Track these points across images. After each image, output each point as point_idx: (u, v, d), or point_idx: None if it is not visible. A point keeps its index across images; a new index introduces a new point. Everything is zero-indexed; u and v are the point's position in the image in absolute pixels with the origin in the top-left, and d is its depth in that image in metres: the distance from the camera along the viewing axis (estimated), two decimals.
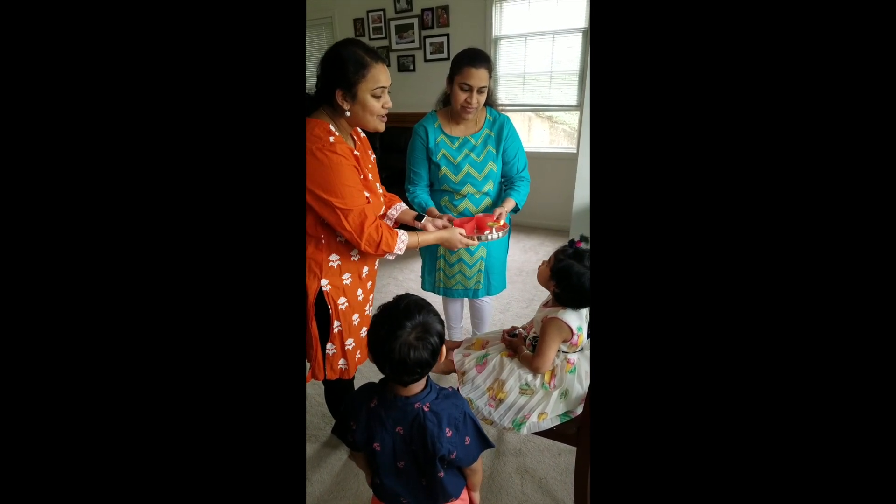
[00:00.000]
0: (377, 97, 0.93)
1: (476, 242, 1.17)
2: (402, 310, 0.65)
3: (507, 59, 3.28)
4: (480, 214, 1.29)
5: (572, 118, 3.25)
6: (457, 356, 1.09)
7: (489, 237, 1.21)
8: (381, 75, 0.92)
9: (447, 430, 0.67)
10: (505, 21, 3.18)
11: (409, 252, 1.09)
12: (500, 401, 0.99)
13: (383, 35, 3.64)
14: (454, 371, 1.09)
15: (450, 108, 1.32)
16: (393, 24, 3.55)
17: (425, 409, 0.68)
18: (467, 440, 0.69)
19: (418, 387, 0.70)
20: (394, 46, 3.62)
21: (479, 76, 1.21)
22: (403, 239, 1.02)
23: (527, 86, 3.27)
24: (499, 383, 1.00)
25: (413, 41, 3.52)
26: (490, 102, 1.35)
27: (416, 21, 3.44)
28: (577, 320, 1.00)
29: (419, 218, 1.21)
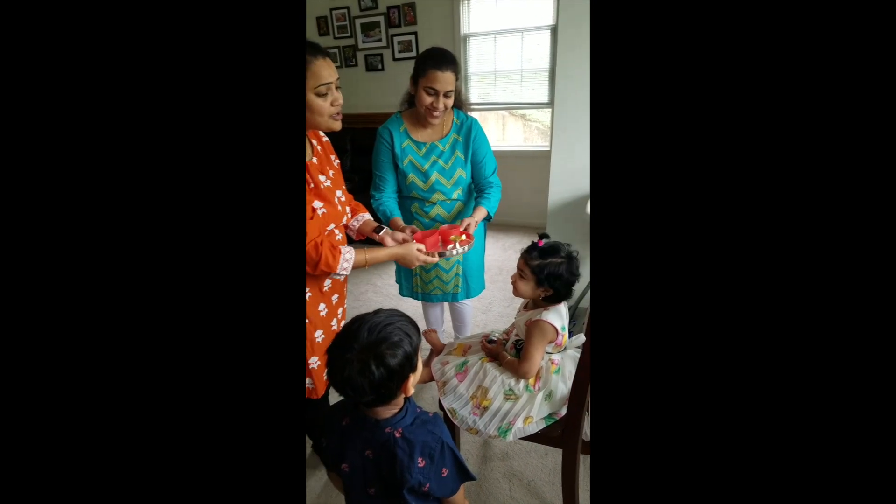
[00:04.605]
0: (322, 95, 0.85)
1: (436, 259, 1.11)
2: (354, 332, 0.61)
3: (476, 58, 3.26)
4: (446, 226, 1.23)
5: (545, 116, 3.27)
6: (435, 366, 1.06)
7: (452, 253, 1.14)
8: (322, 71, 0.83)
9: (419, 459, 0.62)
10: (473, 18, 3.16)
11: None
12: (485, 408, 0.97)
13: (349, 34, 3.55)
14: (434, 380, 1.06)
15: (415, 110, 1.28)
16: (358, 22, 3.47)
17: (396, 434, 0.63)
18: (444, 472, 0.65)
19: (389, 410, 0.65)
20: (360, 45, 3.54)
21: (444, 80, 1.17)
22: (348, 258, 0.94)
23: (498, 84, 3.26)
24: (482, 391, 0.98)
25: (380, 40, 3.45)
26: (458, 104, 1.31)
27: (382, 19, 3.37)
28: (560, 320, 0.99)
29: (378, 230, 1.14)
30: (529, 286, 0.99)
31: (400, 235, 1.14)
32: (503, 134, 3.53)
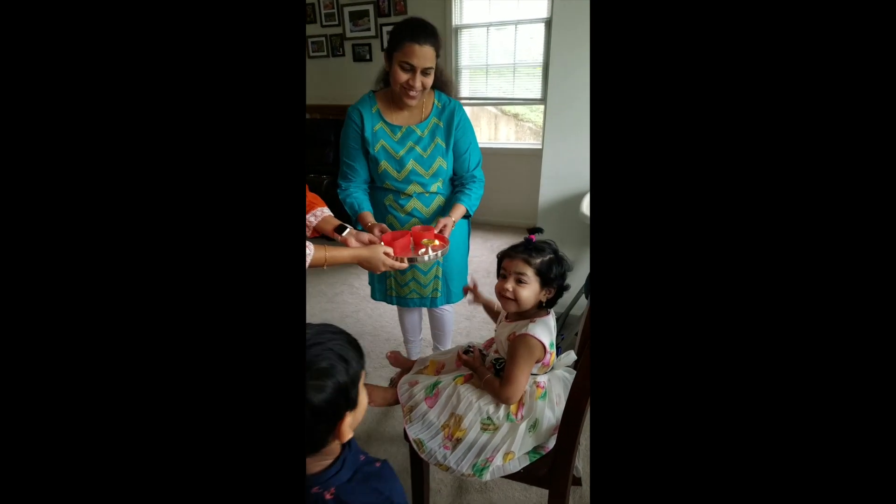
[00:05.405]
0: None
1: (405, 265, 0.96)
2: None
3: (469, 50, 3.14)
4: (418, 227, 1.08)
5: (537, 116, 3.16)
6: (402, 387, 0.90)
7: (424, 259, 0.99)
8: None
9: None
10: (466, 9, 3.03)
11: None
12: (458, 440, 0.81)
13: (336, 22, 3.40)
14: (399, 404, 0.89)
15: (391, 90, 1.12)
16: (346, 10, 3.32)
17: (327, 496, 0.47)
18: None
19: (319, 462, 0.49)
20: (348, 34, 3.39)
21: (423, 55, 1.01)
22: (307, 253, 0.81)
23: (490, 78, 3.15)
24: (455, 419, 0.82)
25: (369, 29, 3.31)
26: (440, 85, 1.16)
27: (371, 8, 3.23)
28: (548, 335, 0.83)
29: (340, 230, 0.98)
30: (533, 291, 0.83)
31: (366, 236, 0.99)
32: (495, 132, 3.43)
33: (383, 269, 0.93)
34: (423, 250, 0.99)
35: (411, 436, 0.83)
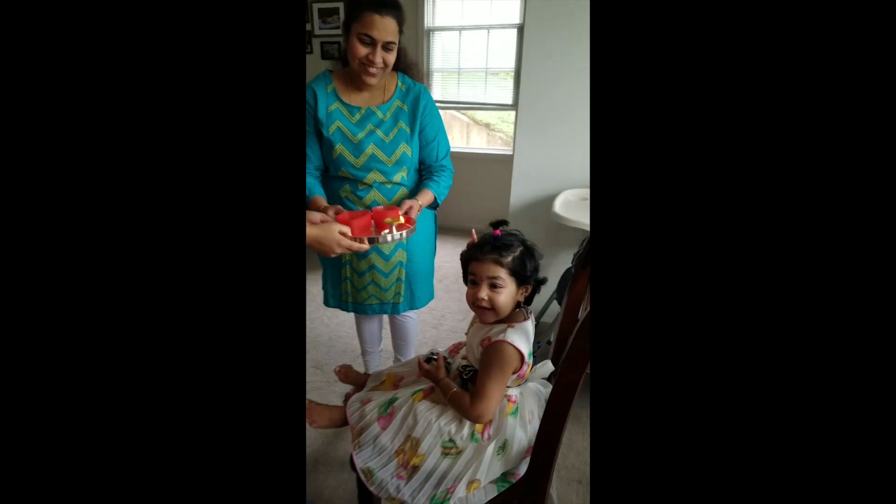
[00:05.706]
0: None
1: (366, 246, 0.84)
2: None
3: (441, 54, 3.11)
4: (380, 207, 0.97)
5: (508, 126, 3.15)
6: (352, 406, 0.76)
7: (388, 239, 0.87)
8: None
9: None
10: (438, 11, 2.99)
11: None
12: (414, 468, 0.68)
13: (305, 18, 3.27)
14: (347, 425, 0.75)
15: (349, 70, 1.01)
16: (316, 7, 3.22)
17: None
18: None
19: None
20: (317, 32, 3.29)
21: (384, 27, 0.91)
22: None
23: (462, 86, 3.12)
24: (412, 443, 0.69)
25: (338, 27, 3.20)
26: (403, 68, 1.06)
27: (341, 5, 3.14)
28: (527, 343, 0.72)
29: None
30: (510, 293, 0.72)
31: (317, 216, 0.86)
32: (467, 141, 3.42)
33: (339, 250, 0.80)
34: (387, 231, 0.87)
35: (359, 464, 0.69)
